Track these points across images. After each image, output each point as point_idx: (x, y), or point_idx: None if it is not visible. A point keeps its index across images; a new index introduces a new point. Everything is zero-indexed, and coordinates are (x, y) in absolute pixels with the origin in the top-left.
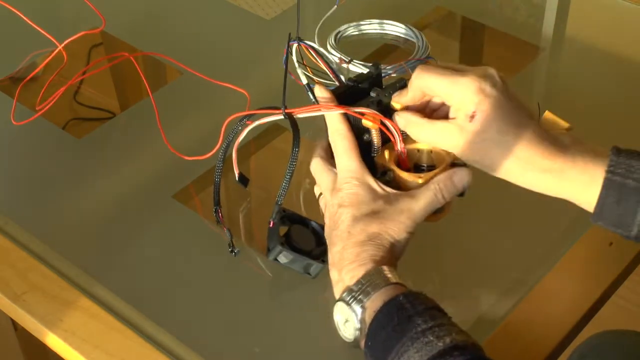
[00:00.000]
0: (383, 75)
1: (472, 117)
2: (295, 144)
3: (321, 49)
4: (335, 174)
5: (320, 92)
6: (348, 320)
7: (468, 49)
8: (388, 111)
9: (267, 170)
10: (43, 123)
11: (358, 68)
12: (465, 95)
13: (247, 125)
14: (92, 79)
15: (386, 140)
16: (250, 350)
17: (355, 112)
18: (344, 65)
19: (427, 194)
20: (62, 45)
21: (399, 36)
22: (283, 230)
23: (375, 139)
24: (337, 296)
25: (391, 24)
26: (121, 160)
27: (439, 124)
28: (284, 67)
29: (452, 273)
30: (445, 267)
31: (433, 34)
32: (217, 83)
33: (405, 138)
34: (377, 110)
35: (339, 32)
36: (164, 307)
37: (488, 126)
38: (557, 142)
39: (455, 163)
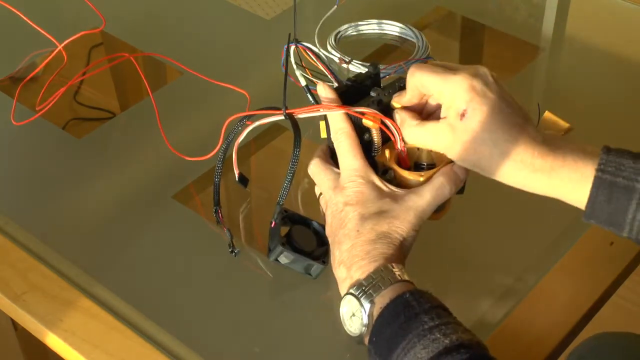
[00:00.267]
0: (383, 75)
1: (463, 115)
2: (297, 144)
3: (319, 50)
4: (336, 172)
5: (324, 92)
6: (354, 315)
7: (468, 49)
8: (388, 110)
9: (267, 171)
10: (43, 123)
11: (358, 68)
12: (456, 93)
13: (247, 126)
14: (92, 79)
15: (386, 140)
16: (250, 350)
17: (356, 112)
18: (344, 66)
19: (432, 190)
20: (62, 45)
21: (399, 36)
22: (284, 230)
23: (376, 138)
24: (344, 292)
25: (391, 24)
26: (121, 160)
27: (429, 125)
28: (283, 69)
29: (452, 273)
30: (444, 266)
31: (433, 34)
32: (217, 83)
33: None
34: (378, 110)
35: (339, 32)
36: (164, 307)
37: (478, 124)
38: (548, 142)
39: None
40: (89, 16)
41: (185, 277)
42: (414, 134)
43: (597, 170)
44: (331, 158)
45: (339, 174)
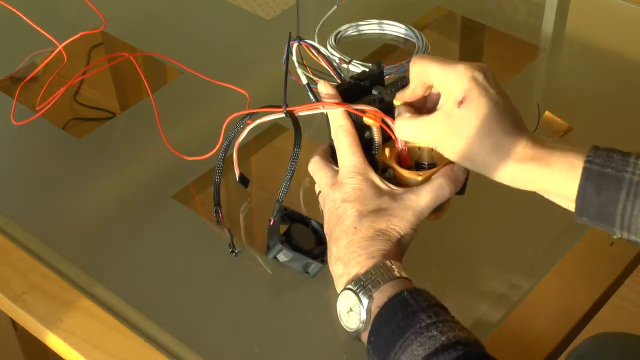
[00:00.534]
0: (384, 75)
1: (461, 102)
2: (297, 142)
3: (322, 47)
4: (335, 170)
5: (325, 89)
6: (352, 310)
7: (468, 49)
8: (389, 109)
9: (267, 170)
10: (43, 123)
11: (358, 68)
12: (456, 82)
13: (247, 125)
14: (92, 79)
15: (387, 138)
16: (250, 350)
17: (357, 110)
18: (344, 66)
19: (432, 190)
20: (62, 45)
21: (399, 36)
22: (283, 228)
23: (376, 136)
24: (340, 288)
25: (391, 24)
26: (121, 160)
27: (422, 118)
28: (284, 67)
29: (451, 272)
30: (444, 266)
31: (433, 34)
32: (217, 83)
33: None
34: (379, 108)
35: (339, 32)
36: (164, 307)
37: (474, 114)
38: (538, 138)
39: None
40: (89, 16)
41: (185, 277)
42: (405, 127)
43: (586, 161)
44: (331, 157)
45: (337, 171)
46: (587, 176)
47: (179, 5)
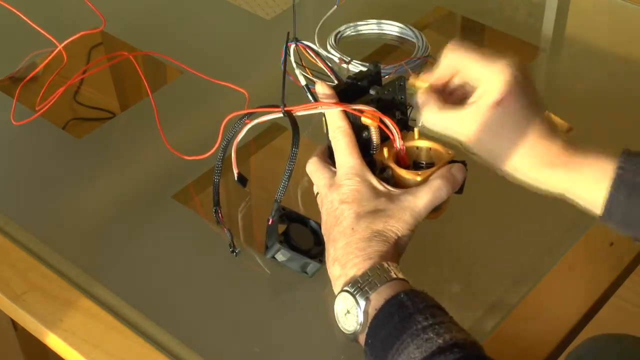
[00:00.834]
0: (382, 75)
1: (498, 103)
2: (295, 142)
3: (319, 49)
4: (333, 171)
5: (322, 90)
6: (349, 312)
7: None
8: (387, 109)
9: (266, 170)
10: (43, 123)
11: (358, 68)
12: (496, 80)
13: (246, 124)
14: (92, 79)
15: (385, 138)
16: (250, 350)
17: (354, 110)
18: (344, 66)
19: (429, 191)
20: (62, 45)
21: (399, 36)
22: (282, 228)
23: (374, 136)
24: (338, 289)
25: (391, 24)
26: (121, 160)
27: (455, 113)
28: (282, 68)
29: (450, 273)
30: (443, 266)
31: (433, 34)
32: (217, 83)
33: (404, 135)
34: (376, 108)
35: (339, 32)
36: (164, 307)
37: (513, 116)
38: (568, 140)
39: (453, 160)
40: (89, 16)
41: (185, 277)
42: (436, 119)
43: (617, 169)
44: (329, 158)
45: (335, 172)
46: (619, 184)
47: (179, 5)
